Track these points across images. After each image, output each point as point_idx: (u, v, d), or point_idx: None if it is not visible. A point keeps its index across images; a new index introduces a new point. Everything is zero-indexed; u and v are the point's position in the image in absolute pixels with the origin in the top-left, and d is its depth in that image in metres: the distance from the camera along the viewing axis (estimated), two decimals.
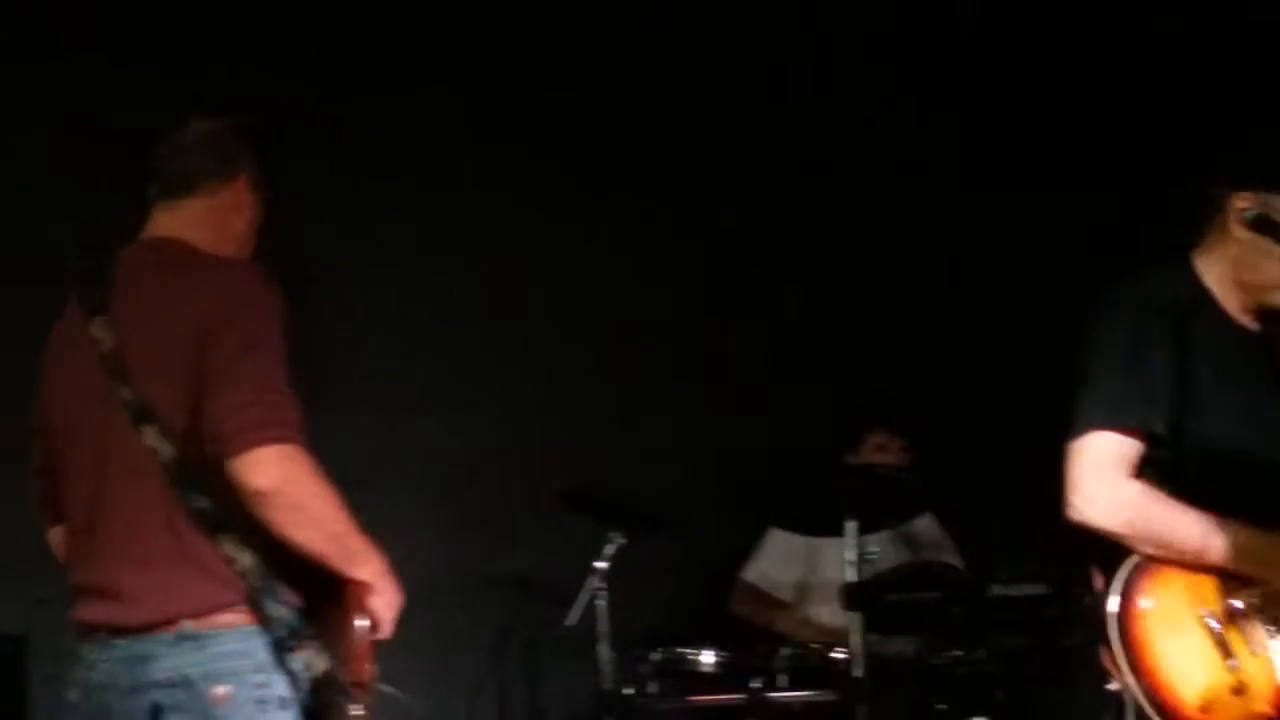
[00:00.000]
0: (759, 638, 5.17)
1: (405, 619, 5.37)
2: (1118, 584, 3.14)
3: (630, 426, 5.95)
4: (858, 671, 4.66)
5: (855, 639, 4.68)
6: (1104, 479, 3.17)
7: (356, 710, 3.00)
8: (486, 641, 5.70)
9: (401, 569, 5.33)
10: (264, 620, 3.01)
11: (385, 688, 3.32)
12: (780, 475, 5.39)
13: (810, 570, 5.65)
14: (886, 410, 5.77)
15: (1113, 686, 3.12)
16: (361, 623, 3.06)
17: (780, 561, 5.74)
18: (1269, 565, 3.16)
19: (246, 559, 2.99)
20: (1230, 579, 3.18)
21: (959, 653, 5.00)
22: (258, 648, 3.02)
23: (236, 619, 3.02)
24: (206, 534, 3.00)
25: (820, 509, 4.87)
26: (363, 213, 5.60)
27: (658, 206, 6.05)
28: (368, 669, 3.07)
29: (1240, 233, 3.27)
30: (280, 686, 3.02)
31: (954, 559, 5.62)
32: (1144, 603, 3.13)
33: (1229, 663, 3.12)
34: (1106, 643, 3.11)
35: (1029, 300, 6.11)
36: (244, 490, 2.91)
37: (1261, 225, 3.21)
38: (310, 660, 3.01)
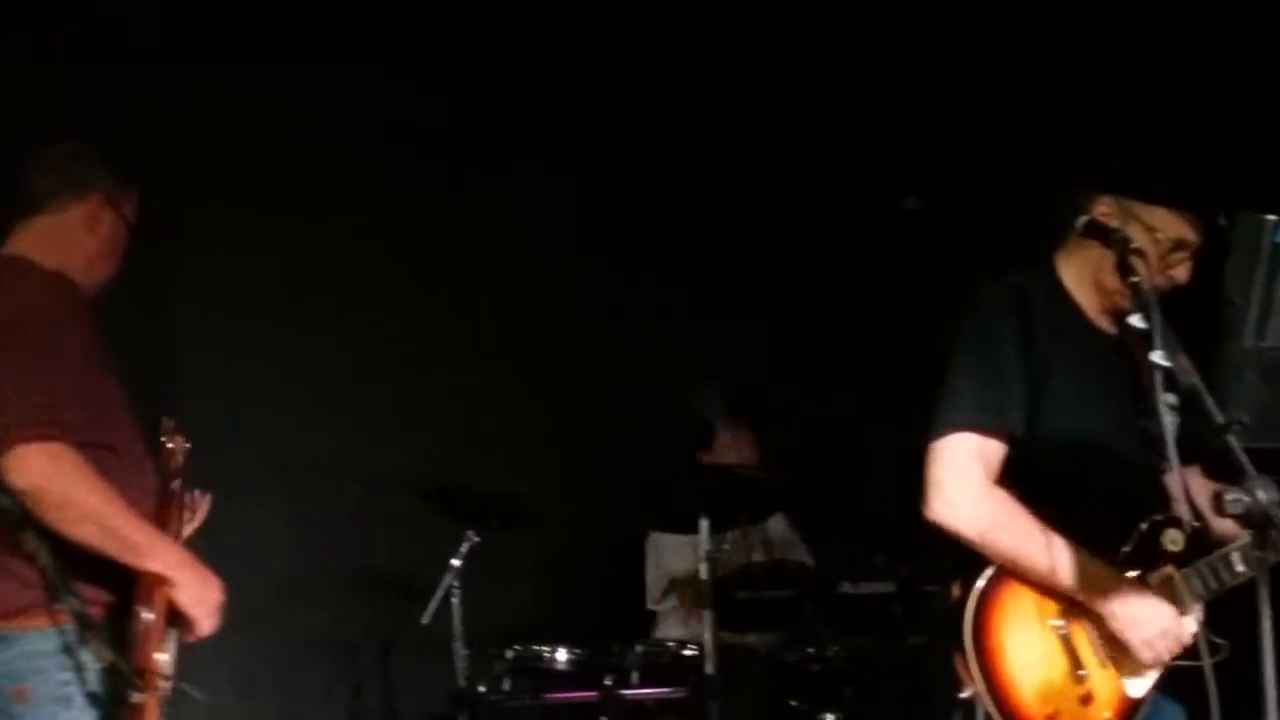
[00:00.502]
0: (614, 634, 5.06)
1: (258, 617, 5.28)
2: (975, 592, 3.07)
3: (486, 425, 5.81)
4: (710, 668, 4.59)
5: (707, 636, 4.62)
6: (968, 483, 3.09)
7: (139, 697, 3.03)
8: (341, 639, 5.55)
9: (256, 568, 5.25)
10: (63, 617, 3.03)
11: (185, 686, 3.30)
12: (641, 475, 5.30)
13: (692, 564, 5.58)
14: (738, 407, 5.70)
15: (965, 693, 3.04)
16: (146, 613, 3.10)
17: (670, 559, 5.67)
18: (1105, 597, 3.09)
19: (44, 556, 3.00)
20: None
21: (811, 650, 4.96)
22: (59, 645, 3.05)
23: (39, 617, 3.05)
24: (10, 533, 3.03)
25: (685, 509, 4.78)
26: (218, 208, 5.37)
27: (522, 207, 5.91)
28: (154, 658, 3.10)
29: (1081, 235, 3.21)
30: (88, 683, 3.06)
31: (805, 557, 5.58)
32: (999, 611, 3.07)
33: (1078, 672, 3.07)
34: (961, 649, 3.03)
35: (877, 302, 6.07)
36: (11, 489, 2.97)
37: (1093, 231, 3.15)
38: (98, 651, 3.03)
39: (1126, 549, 3.14)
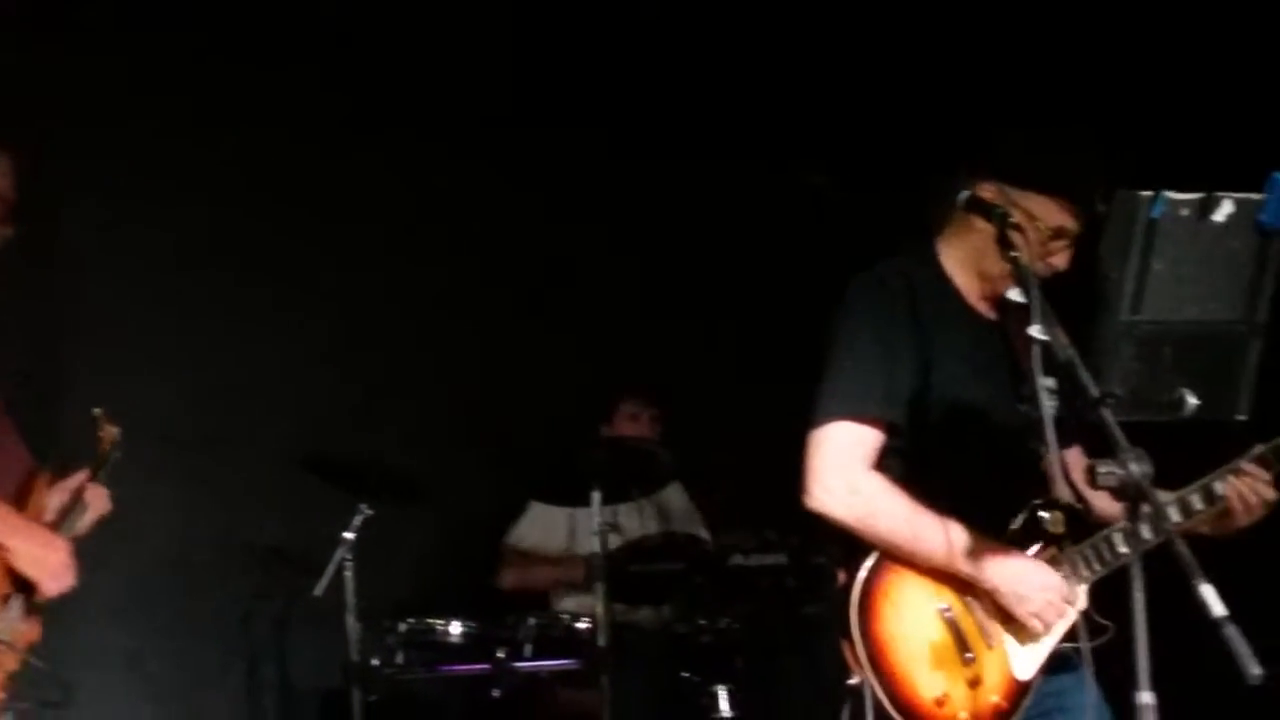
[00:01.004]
0: (508, 607, 4.98)
1: (149, 593, 5.15)
2: (859, 578, 3.01)
3: (380, 396, 5.68)
4: (602, 641, 4.53)
5: (600, 609, 4.55)
6: (844, 471, 3.03)
7: None
8: (234, 613, 5.43)
9: (146, 543, 5.11)
10: None
11: (35, 660, 3.34)
12: (536, 447, 5.22)
13: (573, 541, 5.53)
14: (636, 381, 5.63)
15: (854, 680, 2.98)
16: None
17: (541, 532, 5.62)
18: (988, 572, 3.03)
19: None
20: None
21: (703, 622, 4.93)
22: None
23: None
24: None
25: (576, 481, 4.69)
26: (103, 176, 5.19)
27: (422, 175, 5.77)
28: None
29: (963, 218, 3.15)
30: None
31: (700, 530, 5.54)
32: (884, 597, 3.01)
33: (965, 656, 3.03)
34: (848, 637, 2.98)
35: (775, 278, 6.02)
36: None
37: (973, 206, 3.09)
38: None
39: (1009, 532, 3.10)
